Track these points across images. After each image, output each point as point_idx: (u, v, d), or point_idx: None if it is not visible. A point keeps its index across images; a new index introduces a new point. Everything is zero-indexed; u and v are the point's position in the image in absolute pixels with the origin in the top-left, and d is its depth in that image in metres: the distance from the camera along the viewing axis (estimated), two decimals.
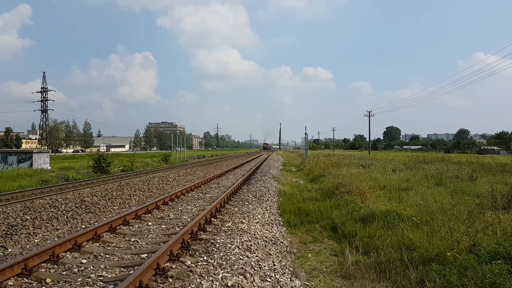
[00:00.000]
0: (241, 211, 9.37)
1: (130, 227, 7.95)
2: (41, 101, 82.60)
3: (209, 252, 5.73)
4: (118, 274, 4.93)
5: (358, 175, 16.74)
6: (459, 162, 27.01)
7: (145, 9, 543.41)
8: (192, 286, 4.38)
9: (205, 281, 4.52)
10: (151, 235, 7.25)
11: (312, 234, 8.01)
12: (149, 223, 8.32)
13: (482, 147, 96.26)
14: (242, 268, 5.10)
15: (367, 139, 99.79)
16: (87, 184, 15.84)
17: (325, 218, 9.00)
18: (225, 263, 5.22)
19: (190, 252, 5.83)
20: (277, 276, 5.17)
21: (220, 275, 4.73)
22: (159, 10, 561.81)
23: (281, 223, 9.00)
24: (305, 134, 49.20)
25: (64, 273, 4.99)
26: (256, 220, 8.48)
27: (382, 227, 7.29)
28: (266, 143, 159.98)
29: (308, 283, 5.27)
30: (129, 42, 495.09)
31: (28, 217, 8.59)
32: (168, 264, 5.21)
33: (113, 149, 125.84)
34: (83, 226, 8.31)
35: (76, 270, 5.08)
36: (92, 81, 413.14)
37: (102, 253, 5.87)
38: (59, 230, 7.98)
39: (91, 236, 6.68)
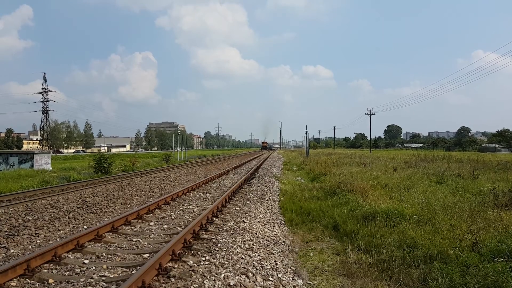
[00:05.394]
0: (242, 211, 9.37)
1: (132, 227, 7.95)
2: (42, 101, 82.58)
3: (211, 252, 5.73)
4: (120, 274, 4.94)
5: (360, 174, 16.73)
6: (460, 160, 26.98)
7: (144, 9, 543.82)
8: (194, 285, 4.38)
9: (207, 280, 4.52)
10: (153, 235, 7.25)
11: (314, 233, 8.01)
12: (151, 223, 8.33)
13: (483, 145, 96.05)
14: (244, 268, 5.10)
15: (368, 138, 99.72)
16: (89, 185, 15.85)
17: (326, 217, 9.00)
18: (227, 262, 5.22)
19: (192, 251, 5.83)
20: (279, 275, 5.17)
21: (223, 275, 4.73)
22: (158, 10, 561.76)
23: (283, 222, 9.00)
24: (306, 133, 49.30)
25: (66, 273, 5.00)
26: (258, 219, 8.48)
27: (384, 225, 7.29)
28: (265, 142, 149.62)
29: (311, 282, 5.27)
30: (129, 42, 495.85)
31: (30, 218, 8.60)
32: (170, 264, 5.21)
33: (114, 149, 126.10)
34: (85, 227, 8.32)
35: (78, 270, 5.09)
36: (93, 81, 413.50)
37: (104, 253, 5.88)
38: (61, 231, 7.99)
39: (93, 236, 6.69)
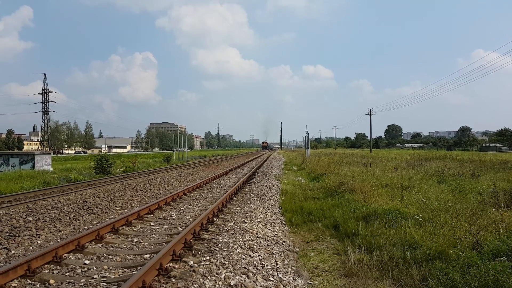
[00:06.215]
0: (243, 211, 9.37)
1: (133, 227, 7.96)
2: (42, 102, 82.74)
3: (211, 252, 5.73)
4: (121, 275, 4.94)
5: (360, 174, 16.73)
6: (461, 159, 26.97)
7: (144, 10, 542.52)
8: (195, 286, 4.38)
9: (208, 280, 4.53)
10: (153, 235, 7.26)
11: (315, 233, 8.01)
12: (152, 224, 8.34)
13: (484, 144, 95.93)
14: (245, 268, 5.11)
15: (369, 138, 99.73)
16: (89, 185, 15.87)
17: (327, 217, 9.00)
18: (227, 262, 5.22)
19: (193, 252, 5.84)
20: (280, 275, 5.17)
21: (223, 275, 4.73)
22: (158, 11, 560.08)
23: (283, 222, 9.00)
24: (307, 133, 49.30)
25: (67, 274, 5.01)
26: (258, 220, 8.48)
27: (385, 225, 7.29)
28: (265, 142, 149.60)
29: (311, 282, 5.27)
30: (129, 43, 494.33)
31: (31, 219, 8.61)
32: (171, 264, 5.22)
33: (114, 150, 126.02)
34: (86, 227, 8.33)
35: (79, 271, 5.09)
36: (93, 82, 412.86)
37: (105, 254, 5.89)
38: (62, 231, 8.01)
39: (94, 237, 6.69)
